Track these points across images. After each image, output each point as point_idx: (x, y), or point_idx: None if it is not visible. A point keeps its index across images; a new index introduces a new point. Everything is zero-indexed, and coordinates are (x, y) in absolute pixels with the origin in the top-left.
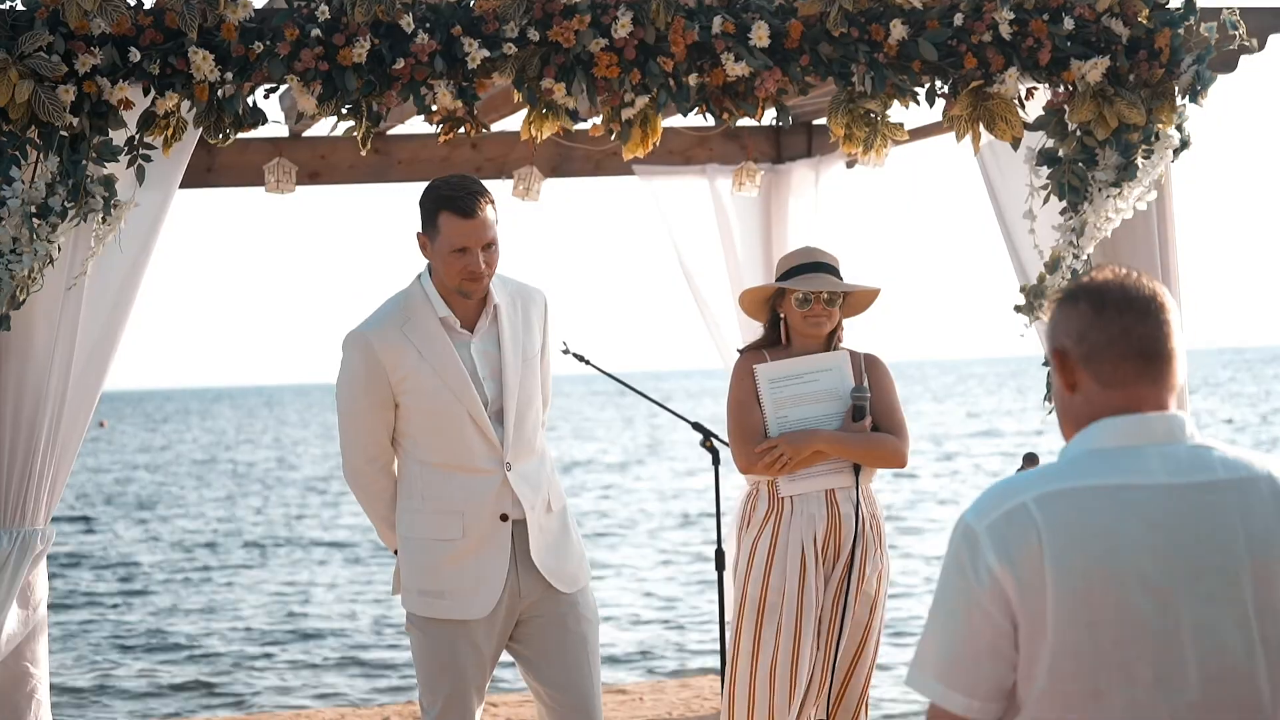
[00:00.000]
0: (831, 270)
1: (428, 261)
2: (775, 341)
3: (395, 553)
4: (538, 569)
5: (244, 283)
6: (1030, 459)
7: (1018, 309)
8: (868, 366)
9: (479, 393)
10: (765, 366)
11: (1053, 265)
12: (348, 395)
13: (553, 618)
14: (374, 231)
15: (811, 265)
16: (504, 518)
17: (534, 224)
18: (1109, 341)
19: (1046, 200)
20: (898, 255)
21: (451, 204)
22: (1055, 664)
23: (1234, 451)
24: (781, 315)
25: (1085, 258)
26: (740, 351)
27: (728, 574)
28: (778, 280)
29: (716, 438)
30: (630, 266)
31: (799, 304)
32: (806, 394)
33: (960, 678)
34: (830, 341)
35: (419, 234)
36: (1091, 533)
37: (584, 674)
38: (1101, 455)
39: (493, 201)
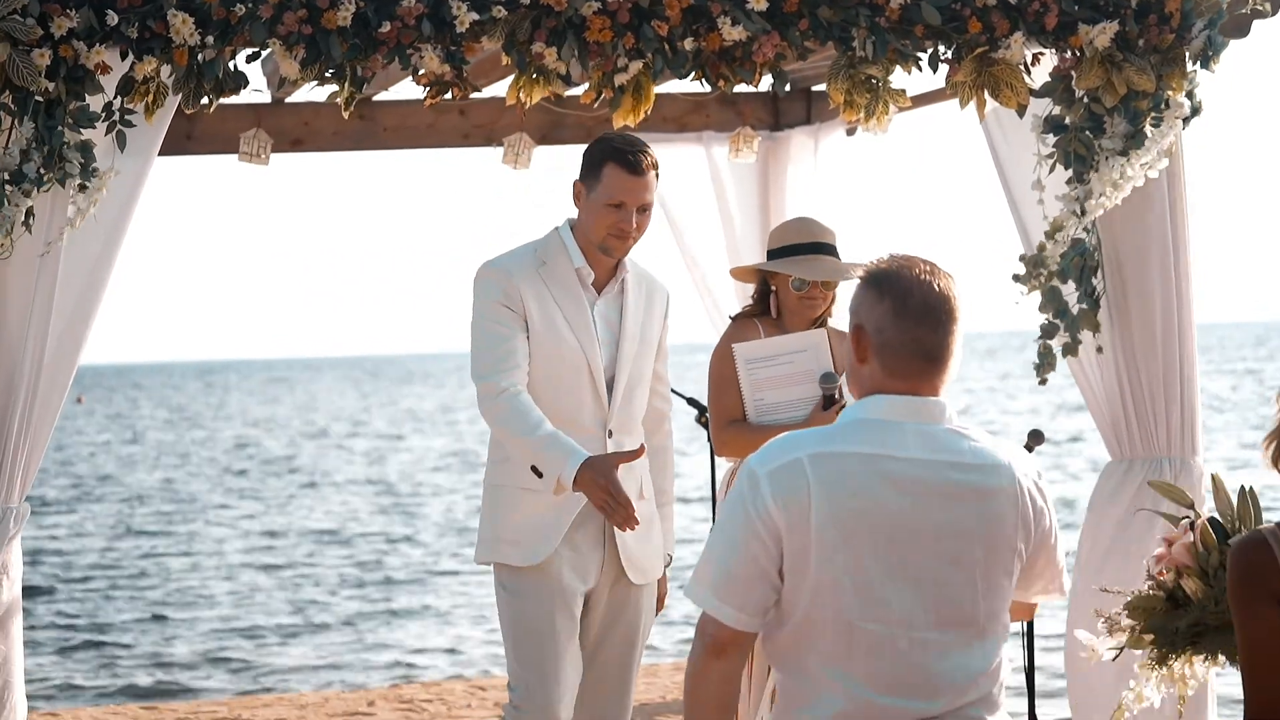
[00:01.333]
0: (830, 250)
1: (571, 217)
2: (765, 311)
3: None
4: (618, 549)
5: (225, 253)
6: (1035, 436)
7: (1016, 278)
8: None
9: (600, 350)
10: (742, 347)
11: (1054, 234)
12: (492, 316)
13: (612, 605)
14: (360, 200)
15: (810, 246)
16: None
17: (523, 192)
18: (901, 344)
19: (1052, 169)
20: (900, 225)
21: (620, 156)
22: (815, 597)
23: (986, 440)
24: (773, 288)
25: (1091, 227)
26: (732, 318)
27: None
28: (771, 256)
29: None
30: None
31: (795, 286)
32: (783, 376)
33: (732, 595)
34: (819, 321)
35: (576, 182)
36: (850, 491)
37: (622, 670)
38: (871, 425)
39: (658, 168)
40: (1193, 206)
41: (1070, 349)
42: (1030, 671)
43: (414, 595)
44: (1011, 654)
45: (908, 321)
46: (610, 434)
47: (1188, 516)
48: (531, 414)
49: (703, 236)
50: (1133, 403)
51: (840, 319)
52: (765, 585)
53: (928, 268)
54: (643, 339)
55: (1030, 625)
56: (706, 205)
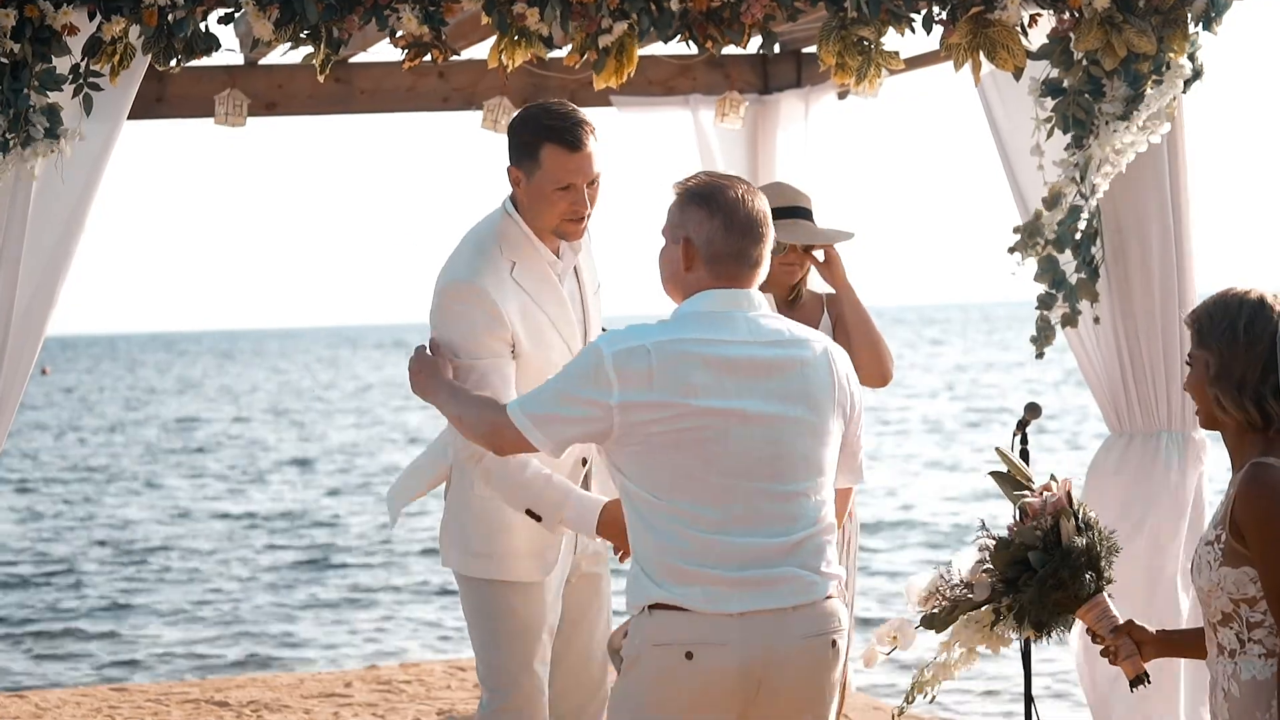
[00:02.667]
0: (806, 214)
1: (509, 197)
2: None
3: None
4: (577, 538)
5: (197, 219)
6: (1032, 409)
7: (1011, 249)
8: (829, 307)
9: (579, 338)
10: None
11: (1052, 201)
12: (471, 353)
13: (591, 579)
14: (336, 165)
15: (785, 210)
16: (584, 461)
17: (504, 158)
18: (728, 254)
19: (1051, 134)
20: (893, 192)
21: (557, 135)
22: (658, 454)
23: (801, 329)
24: None
25: (1096, 196)
26: None
27: None
28: None
29: None
30: (607, 203)
31: (772, 252)
32: None
33: (547, 429)
34: (797, 287)
35: (511, 168)
36: (690, 371)
37: (602, 660)
38: (704, 317)
39: (594, 130)
40: (1194, 172)
41: (1069, 320)
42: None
43: (372, 575)
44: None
45: (735, 235)
46: None
47: (1024, 493)
48: (525, 471)
49: None
50: (1132, 375)
51: (817, 282)
52: (576, 437)
53: (745, 186)
54: (597, 306)
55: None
56: (692, 171)
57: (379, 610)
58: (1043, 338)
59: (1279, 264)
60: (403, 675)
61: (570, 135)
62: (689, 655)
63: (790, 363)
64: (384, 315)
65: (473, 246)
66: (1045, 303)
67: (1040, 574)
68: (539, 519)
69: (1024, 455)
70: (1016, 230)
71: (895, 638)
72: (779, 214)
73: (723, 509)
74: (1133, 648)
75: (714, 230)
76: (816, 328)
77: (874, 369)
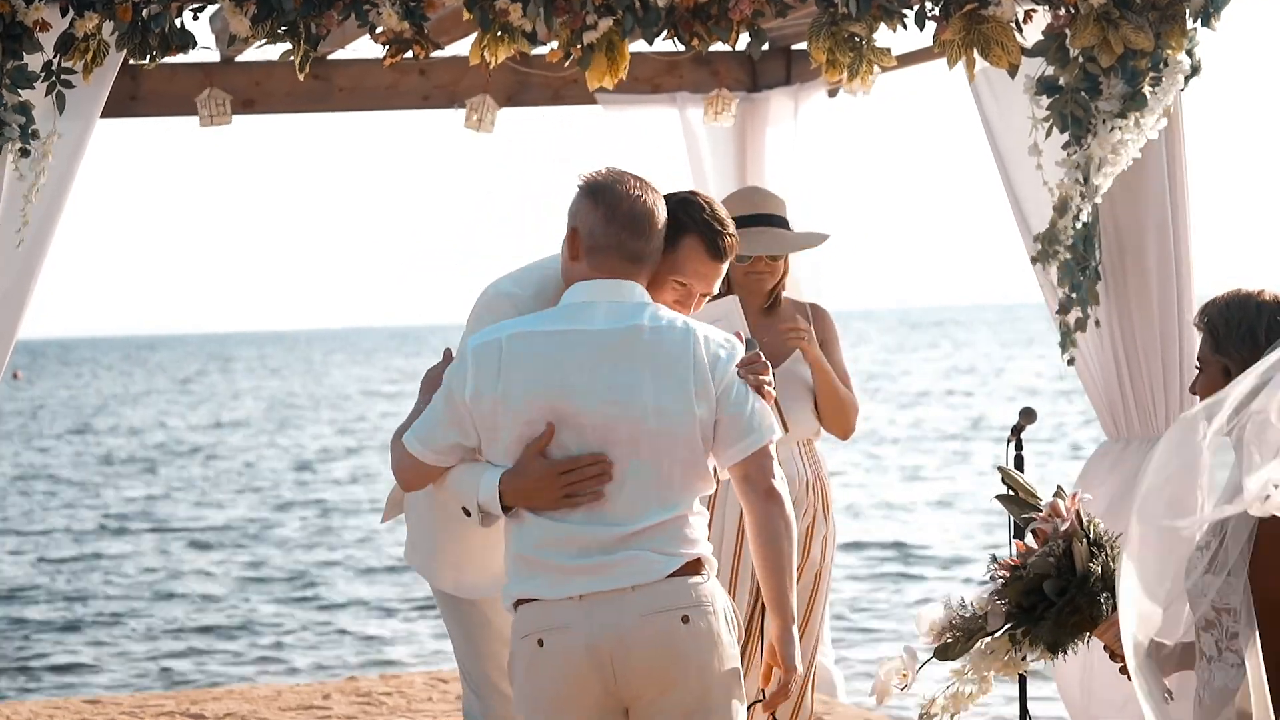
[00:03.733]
0: (778, 221)
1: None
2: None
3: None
4: None
5: (172, 221)
6: (1027, 414)
7: (1034, 259)
8: (815, 320)
9: None
10: None
11: (1061, 207)
12: None
13: None
14: (314, 165)
15: (753, 218)
16: None
17: (487, 157)
18: (608, 245)
19: (1049, 134)
20: (884, 192)
21: (709, 232)
22: (512, 446)
23: (666, 314)
24: None
25: (1096, 198)
26: None
27: None
28: None
29: None
30: None
31: (738, 261)
32: None
33: (430, 441)
34: (773, 293)
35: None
36: (536, 362)
37: None
38: (569, 308)
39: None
40: (1193, 172)
41: (1081, 324)
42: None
43: (340, 587)
44: None
45: (615, 227)
46: None
47: (1032, 514)
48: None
49: None
50: (1129, 380)
51: (794, 290)
52: (457, 436)
53: (637, 183)
54: None
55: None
56: (680, 170)
57: (358, 621)
58: (1068, 342)
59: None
60: (383, 687)
61: (721, 242)
62: (540, 643)
63: (640, 348)
64: (363, 319)
65: (538, 272)
66: (1065, 307)
67: (1058, 604)
68: (468, 513)
69: (1019, 463)
70: (1037, 239)
71: (905, 674)
72: (745, 222)
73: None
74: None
75: (596, 221)
76: (755, 332)
77: (834, 423)
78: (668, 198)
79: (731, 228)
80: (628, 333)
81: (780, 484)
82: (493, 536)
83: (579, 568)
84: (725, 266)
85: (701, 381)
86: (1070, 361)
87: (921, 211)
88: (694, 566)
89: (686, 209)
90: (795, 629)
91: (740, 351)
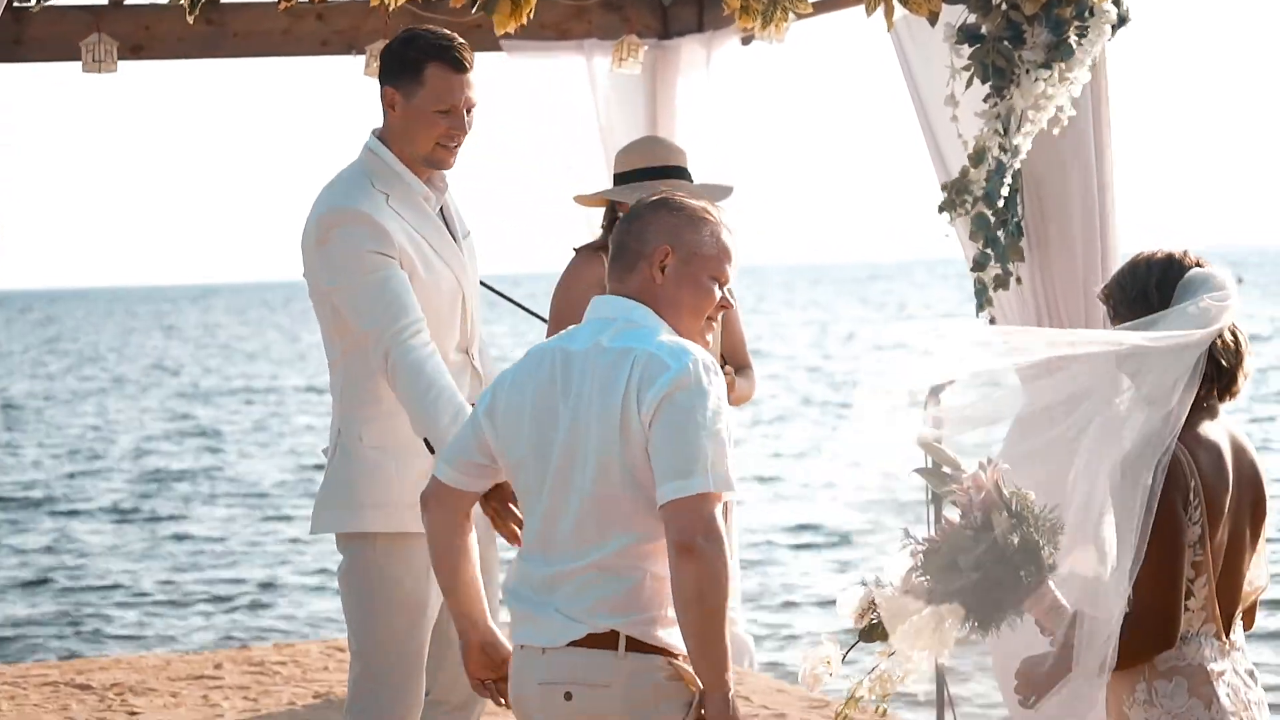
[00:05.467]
0: (681, 173)
1: (377, 128)
2: None
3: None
4: None
5: (58, 169)
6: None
7: (941, 208)
8: None
9: (467, 273)
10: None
11: (977, 157)
12: (369, 266)
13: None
14: (205, 113)
15: (660, 170)
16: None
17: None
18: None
19: (969, 84)
20: (800, 144)
21: (443, 54)
22: (510, 471)
23: (629, 331)
24: (620, 213)
25: (1020, 154)
26: (576, 250)
27: None
28: (618, 182)
29: None
30: (493, 155)
31: None
32: None
33: (457, 464)
34: None
35: (388, 90)
36: (517, 383)
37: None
38: (576, 327)
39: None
40: (1119, 125)
41: (1002, 281)
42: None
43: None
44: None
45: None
46: (471, 356)
47: (953, 488)
48: (448, 379)
49: (582, 155)
50: None
51: None
52: (482, 459)
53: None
54: (470, 252)
55: None
56: (586, 121)
57: (253, 592)
58: (983, 300)
59: (1208, 221)
60: (276, 656)
61: (456, 55)
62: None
63: (591, 372)
64: (254, 272)
65: (344, 183)
66: (980, 264)
67: (976, 579)
68: (432, 450)
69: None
70: (944, 188)
71: (829, 660)
72: (648, 174)
73: (526, 530)
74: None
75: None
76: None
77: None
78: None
79: (459, 39)
80: (598, 353)
81: (708, 542)
82: (414, 471)
83: (521, 614)
84: (472, 77)
85: (628, 411)
86: (991, 321)
87: (839, 163)
88: (603, 640)
89: (412, 42)
90: (724, 697)
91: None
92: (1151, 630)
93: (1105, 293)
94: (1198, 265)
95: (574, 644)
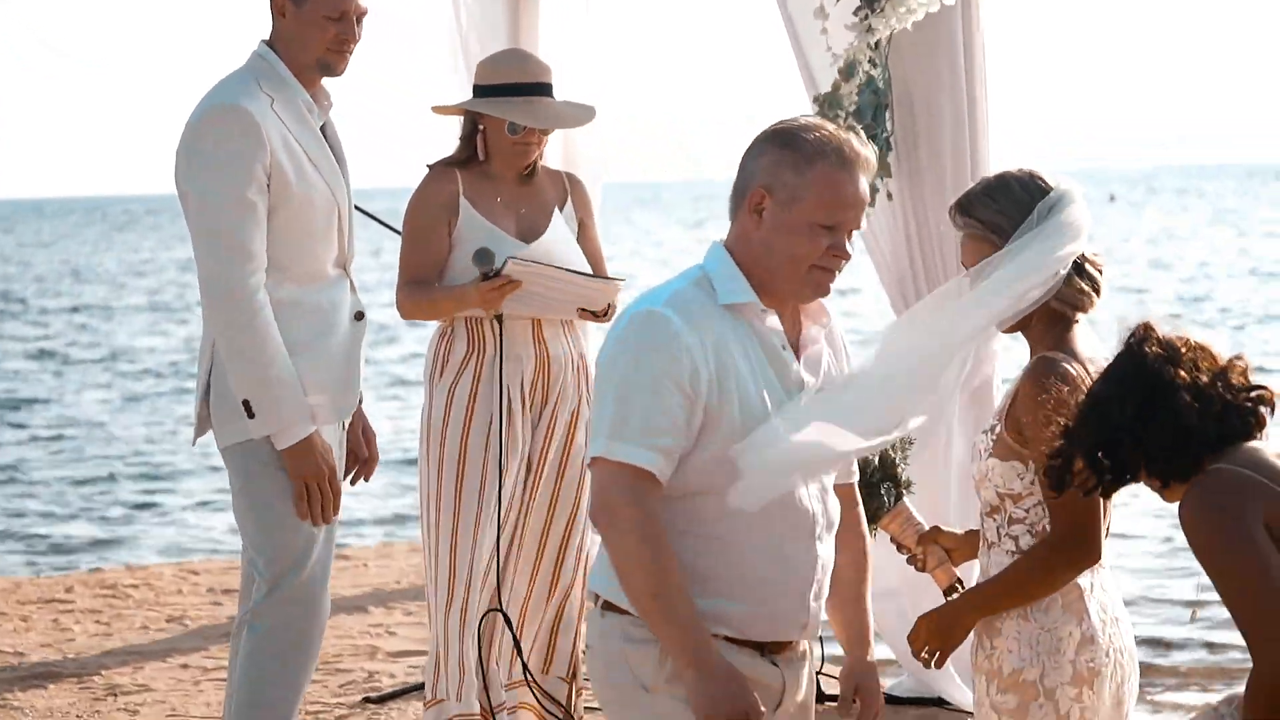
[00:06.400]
0: (544, 90)
1: (265, 38)
2: (472, 158)
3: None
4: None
5: None
6: None
7: None
8: (571, 190)
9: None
10: (516, 264)
11: (848, 71)
12: (232, 183)
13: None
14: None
15: (528, 87)
16: (359, 315)
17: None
18: None
19: None
20: (666, 61)
21: None
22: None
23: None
24: (481, 128)
25: (881, 62)
26: (430, 166)
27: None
28: (481, 94)
29: None
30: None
31: (510, 130)
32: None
33: (656, 440)
34: (531, 167)
35: None
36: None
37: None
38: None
39: None
40: (992, 36)
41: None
42: None
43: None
44: None
45: None
46: (348, 273)
47: None
48: (278, 338)
49: (443, 67)
50: (921, 256)
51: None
52: (684, 427)
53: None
54: (346, 175)
55: None
56: (439, 30)
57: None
58: None
59: (1079, 136)
60: (129, 579)
61: None
62: None
63: None
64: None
65: (230, 83)
66: None
67: None
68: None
69: None
70: (816, 101)
71: None
72: (517, 90)
73: None
74: (942, 554)
75: None
76: (559, 208)
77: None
78: None
79: None
80: None
81: (600, 514)
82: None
83: None
84: None
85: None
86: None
87: (711, 78)
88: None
89: None
90: (692, 676)
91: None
92: (1077, 550)
93: (964, 208)
94: (1061, 185)
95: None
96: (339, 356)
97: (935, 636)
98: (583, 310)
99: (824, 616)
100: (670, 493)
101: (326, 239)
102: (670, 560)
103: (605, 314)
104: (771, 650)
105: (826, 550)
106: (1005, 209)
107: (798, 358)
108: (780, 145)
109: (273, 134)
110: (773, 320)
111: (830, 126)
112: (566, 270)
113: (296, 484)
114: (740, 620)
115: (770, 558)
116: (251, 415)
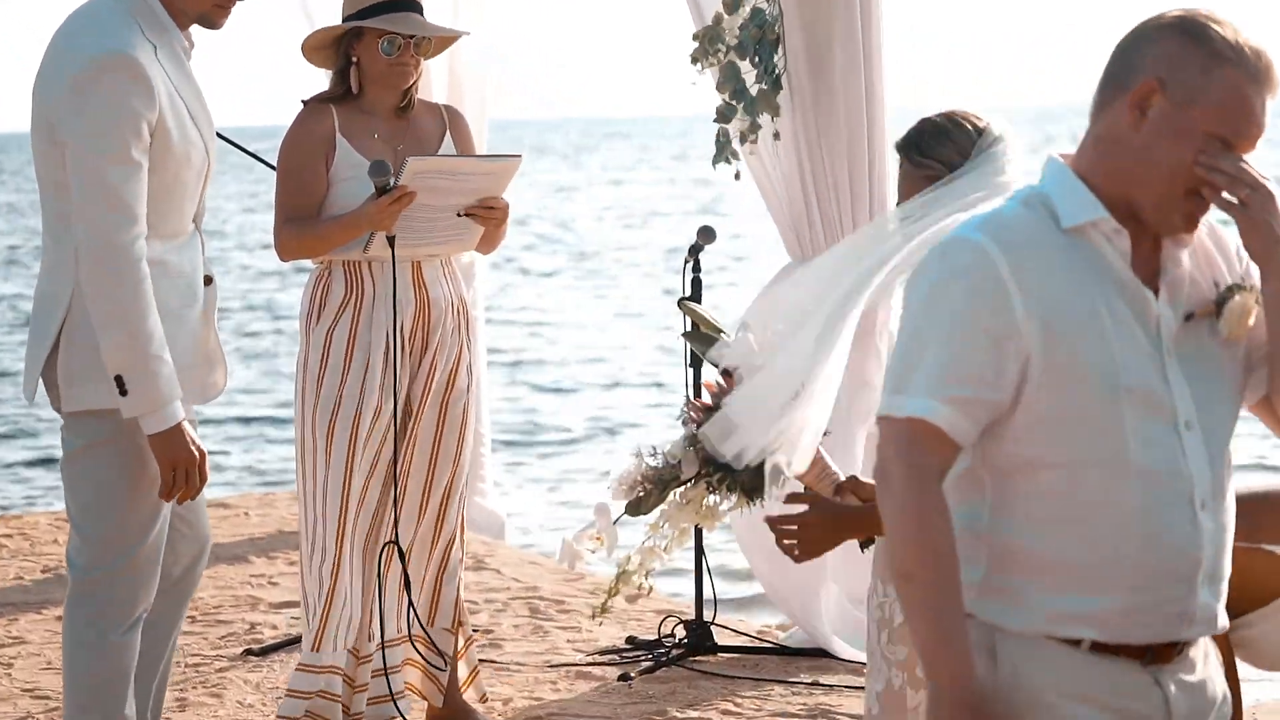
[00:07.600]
0: (418, 8)
1: None
2: (347, 93)
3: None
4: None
5: None
6: (705, 233)
7: (694, 58)
8: (450, 123)
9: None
10: (417, 160)
11: (733, 4)
12: (120, 140)
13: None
14: None
15: (397, 3)
16: (208, 280)
17: None
18: None
19: None
20: None
21: None
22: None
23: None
24: (354, 59)
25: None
26: (304, 102)
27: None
28: (350, 18)
29: None
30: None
31: (384, 50)
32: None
33: (947, 389)
34: (409, 93)
35: None
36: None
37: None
38: None
39: None
40: None
41: (752, 132)
42: None
43: None
44: None
45: None
46: (199, 227)
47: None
48: (156, 312)
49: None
50: (816, 198)
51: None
52: (992, 382)
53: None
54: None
55: None
56: None
57: None
58: (722, 154)
59: (977, 72)
60: (3, 529)
61: None
62: None
63: None
64: None
65: (112, 23)
66: (725, 115)
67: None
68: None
69: (696, 286)
70: (696, 37)
71: (600, 538)
72: (383, 8)
73: None
74: (859, 505)
75: None
76: (438, 145)
77: (485, 247)
78: None
79: None
80: None
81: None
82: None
83: None
84: None
85: None
86: (736, 176)
87: (602, 15)
88: None
89: None
90: None
91: None
92: None
93: (921, 148)
94: (994, 125)
95: None
96: (201, 327)
97: (809, 528)
98: (484, 212)
99: (1223, 618)
100: (999, 465)
101: (193, 195)
102: (939, 539)
103: (504, 215)
104: (1155, 659)
105: (1214, 523)
106: (964, 148)
107: (1156, 292)
108: (1184, 34)
109: (160, 88)
110: (1124, 244)
111: (1247, 31)
112: (466, 157)
113: (164, 471)
114: (1105, 617)
115: (1138, 535)
116: (124, 393)
